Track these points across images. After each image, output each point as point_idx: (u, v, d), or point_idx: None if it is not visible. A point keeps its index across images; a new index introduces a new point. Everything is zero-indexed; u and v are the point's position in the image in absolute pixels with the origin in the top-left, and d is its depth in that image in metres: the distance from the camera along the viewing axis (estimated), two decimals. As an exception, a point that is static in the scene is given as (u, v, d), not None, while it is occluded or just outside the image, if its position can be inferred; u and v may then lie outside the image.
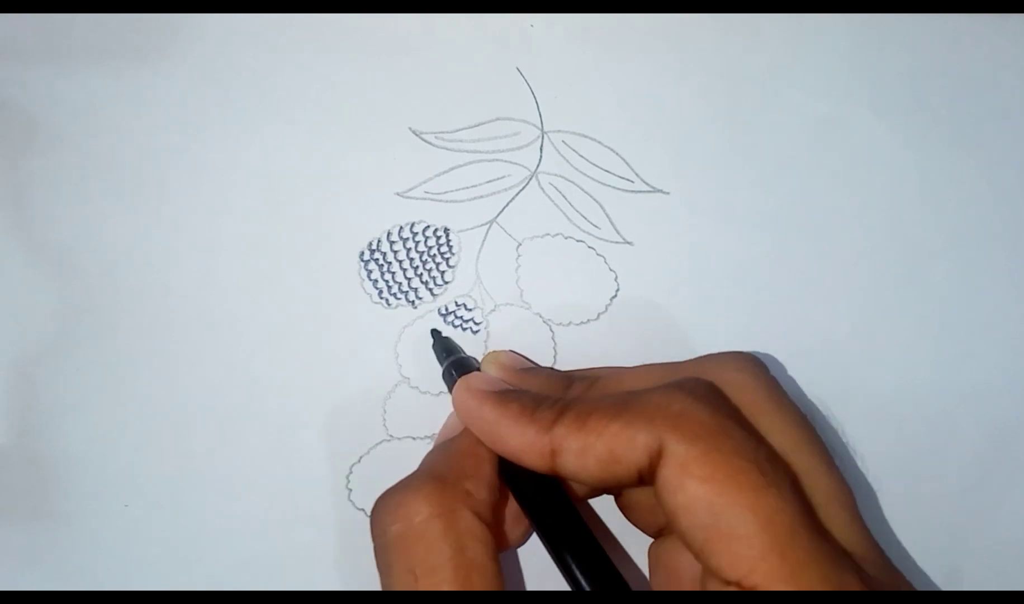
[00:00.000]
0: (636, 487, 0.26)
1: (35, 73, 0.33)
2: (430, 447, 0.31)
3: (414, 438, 0.32)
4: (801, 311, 0.33)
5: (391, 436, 0.32)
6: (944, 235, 0.34)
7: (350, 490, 0.31)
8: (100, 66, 0.33)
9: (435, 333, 0.32)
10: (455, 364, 0.30)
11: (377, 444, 0.32)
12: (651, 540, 0.28)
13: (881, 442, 0.33)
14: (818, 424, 0.32)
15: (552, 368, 0.32)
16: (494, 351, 0.32)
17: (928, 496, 0.33)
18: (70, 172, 0.32)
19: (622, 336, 0.33)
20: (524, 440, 0.25)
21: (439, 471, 0.26)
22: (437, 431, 0.32)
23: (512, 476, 0.27)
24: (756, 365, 0.27)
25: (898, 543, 0.32)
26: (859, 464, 0.33)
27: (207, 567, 0.31)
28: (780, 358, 0.33)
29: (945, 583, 0.32)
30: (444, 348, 0.31)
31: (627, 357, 0.32)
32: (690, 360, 0.28)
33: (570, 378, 0.30)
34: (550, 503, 0.26)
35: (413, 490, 0.25)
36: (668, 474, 0.23)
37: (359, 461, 0.31)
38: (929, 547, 0.32)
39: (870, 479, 0.33)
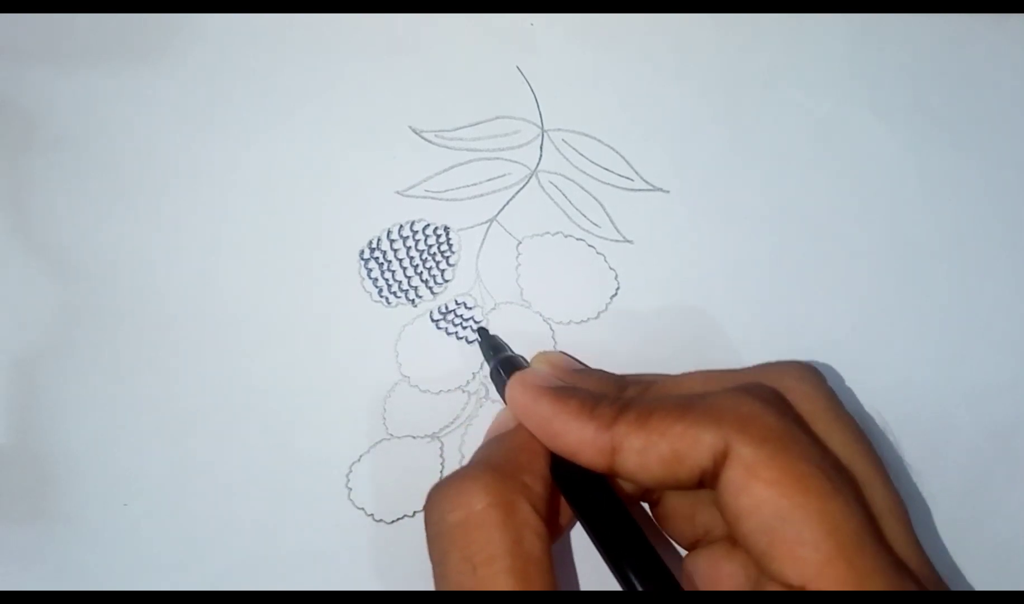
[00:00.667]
0: (692, 490, 0.26)
1: (35, 73, 0.33)
2: (430, 446, 0.31)
3: (414, 437, 0.32)
4: (801, 310, 0.33)
5: (391, 435, 0.32)
6: (944, 235, 0.34)
7: (350, 489, 0.31)
8: (100, 66, 0.33)
9: (482, 331, 0.32)
10: (504, 362, 0.30)
11: (377, 443, 0.31)
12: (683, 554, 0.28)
13: (881, 442, 0.33)
14: (874, 438, 0.32)
15: (605, 370, 0.31)
16: (544, 351, 0.31)
17: (928, 496, 0.32)
18: (70, 172, 0.32)
19: (622, 335, 0.33)
20: (583, 436, 0.25)
21: (497, 462, 0.26)
22: (437, 429, 0.32)
23: (564, 475, 0.26)
24: (816, 375, 0.27)
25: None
26: (913, 477, 0.32)
27: (207, 567, 0.31)
28: (779, 358, 0.33)
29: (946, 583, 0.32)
30: (492, 346, 0.31)
31: (627, 356, 0.32)
32: (750, 367, 0.28)
33: (624, 381, 0.29)
34: (603, 504, 0.26)
35: (472, 479, 0.25)
36: (733, 476, 0.23)
37: (359, 460, 0.31)
38: (929, 547, 0.32)
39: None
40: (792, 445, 0.23)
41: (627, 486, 0.27)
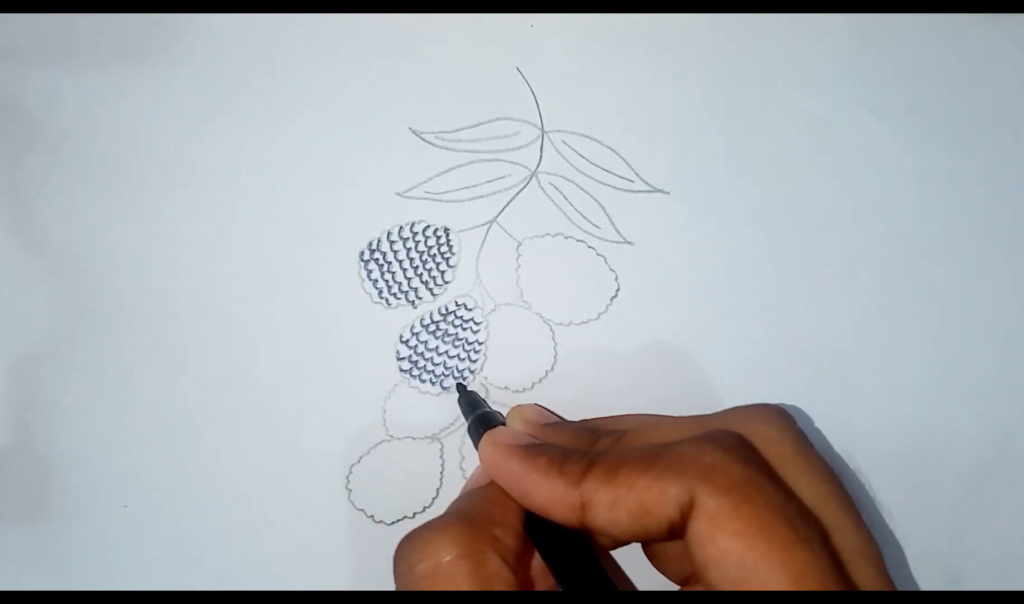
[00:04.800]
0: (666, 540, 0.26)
1: (35, 73, 0.33)
2: (430, 447, 0.32)
3: (414, 438, 0.32)
4: (801, 311, 0.33)
5: (391, 436, 0.32)
6: (944, 235, 0.34)
7: (350, 490, 0.31)
8: (100, 66, 0.33)
9: (460, 387, 0.32)
10: (480, 419, 0.30)
11: (377, 444, 0.32)
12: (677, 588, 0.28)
13: (881, 442, 0.33)
14: (845, 477, 0.31)
15: (578, 422, 0.31)
16: (519, 405, 0.31)
17: (928, 497, 0.32)
18: (70, 172, 0.32)
19: (622, 336, 0.33)
20: (553, 494, 0.25)
21: (467, 514, 0.26)
22: (437, 431, 0.32)
23: (538, 531, 0.26)
24: (784, 418, 0.27)
25: (898, 544, 0.32)
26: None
27: (207, 567, 0.31)
28: (779, 358, 0.33)
29: (946, 584, 0.32)
30: (469, 403, 0.31)
31: (627, 357, 0.32)
32: (719, 413, 0.28)
33: (597, 431, 0.29)
34: (577, 560, 0.25)
35: (441, 530, 0.25)
36: (699, 527, 0.23)
37: (359, 461, 0.31)
38: (930, 548, 0.32)
39: (870, 479, 0.32)
40: (755, 494, 0.23)
41: (604, 535, 0.27)
